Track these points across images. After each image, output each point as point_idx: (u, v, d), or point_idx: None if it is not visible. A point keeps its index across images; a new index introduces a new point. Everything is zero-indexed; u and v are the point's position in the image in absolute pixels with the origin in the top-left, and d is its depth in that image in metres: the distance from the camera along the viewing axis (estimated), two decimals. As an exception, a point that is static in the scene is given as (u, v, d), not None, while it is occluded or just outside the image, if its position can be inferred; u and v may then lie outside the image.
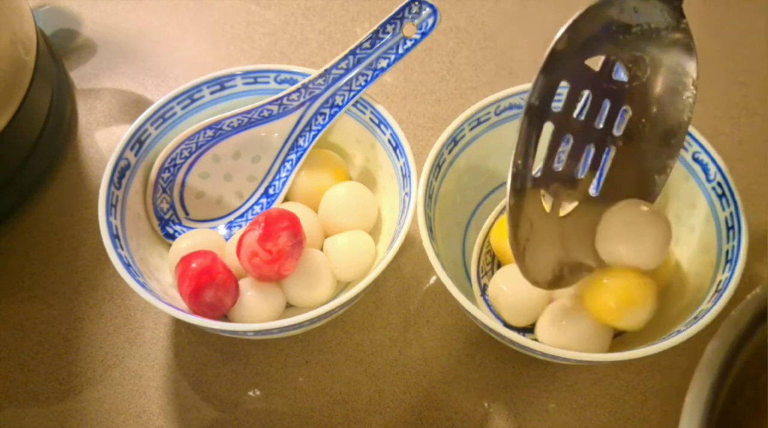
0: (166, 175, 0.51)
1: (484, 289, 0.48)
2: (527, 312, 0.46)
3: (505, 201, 0.48)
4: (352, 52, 0.50)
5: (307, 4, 0.64)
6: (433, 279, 0.52)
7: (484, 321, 0.43)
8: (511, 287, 0.46)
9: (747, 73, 0.60)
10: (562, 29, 0.40)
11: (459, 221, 0.51)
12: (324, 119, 0.51)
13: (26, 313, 0.51)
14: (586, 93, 0.43)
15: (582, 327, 0.44)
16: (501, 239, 0.48)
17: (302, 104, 0.51)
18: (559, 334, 0.45)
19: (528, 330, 0.47)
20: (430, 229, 0.46)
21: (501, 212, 0.49)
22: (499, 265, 0.49)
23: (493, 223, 0.49)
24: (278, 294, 0.48)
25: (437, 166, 0.48)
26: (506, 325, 0.47)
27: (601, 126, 0.44)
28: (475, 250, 0.49)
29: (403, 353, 0.50)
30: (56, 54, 0.60)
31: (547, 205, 0.44)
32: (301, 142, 0.52)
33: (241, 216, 0.52)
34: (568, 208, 0.45)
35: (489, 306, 0.48)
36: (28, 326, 0.51)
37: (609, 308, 0.44)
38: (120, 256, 0.45)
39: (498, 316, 0.47)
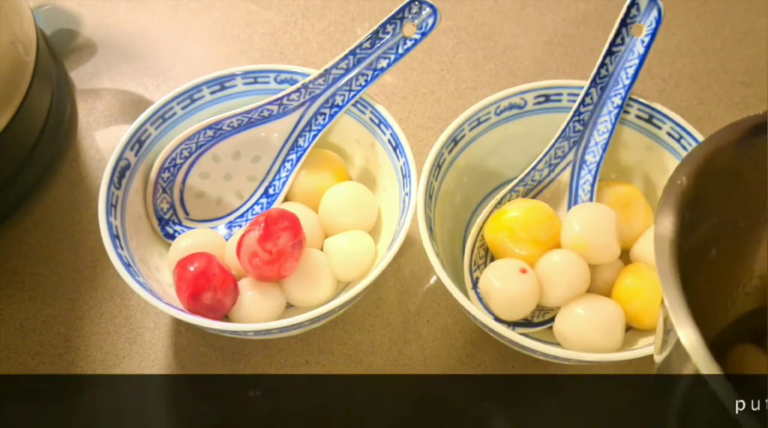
0: (166, 175, 0.51)
1: (475, 283, 0.48)
2: (518, 307, 0.46)
3: (501, 195, 0.49)
4: (352, 52, 0.50)
5: (307, 4, 0.64)
6: (433, 279, 0.52)
7: (486, 322, 0.43)
8: (502, 282, 0.46)
9: (747, 73, 0.60)
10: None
11: (459, 221, 0.51)
12: (324, 119, 0.51)
13: (26, 313, 0.51)
14: None
15: (605, 323, 0.45)
16: (495, 233, 0.48)
17: (302, 104, 0.51)
18: (581, 327, 0.45)
19: (519, 324, 0.47)
20: (430, 229, 0.46)
21: (495, 206, 0.49)
22: (492, 259, 0.49)
23: (488, 217, 0.49)
24: (278, 295, 0.48)
25: (437, 166, 0.48)
26: (497, 319, 0.47)
27: None
28: (468, 243, 0.49)
29: (403, 353, 0.50)
30: (56, 54, 0.60)
31: None
32: (301, 142, 0.52)
33: (241, 216, 0.52)
34: None
35: (480, 299, 0.48)
36: (28, 326, 0.51)
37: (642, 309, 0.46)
38: (120, 256, 0.45)
39: (488, 310, 0.47)
